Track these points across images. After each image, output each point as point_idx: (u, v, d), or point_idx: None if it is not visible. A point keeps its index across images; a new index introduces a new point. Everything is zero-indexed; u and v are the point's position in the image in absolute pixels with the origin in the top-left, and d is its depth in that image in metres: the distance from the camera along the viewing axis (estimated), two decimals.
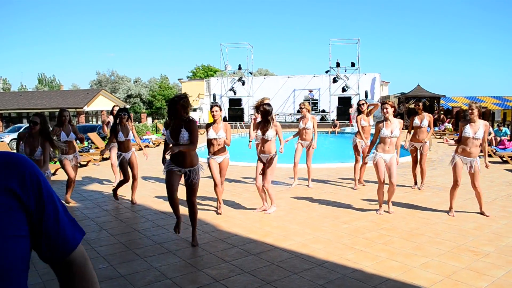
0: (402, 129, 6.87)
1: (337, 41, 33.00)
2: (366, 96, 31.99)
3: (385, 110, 6.57)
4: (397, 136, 6.56)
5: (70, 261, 1.25)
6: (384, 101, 6.69)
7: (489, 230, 5.76)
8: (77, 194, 8.62)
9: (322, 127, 26.89)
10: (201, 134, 10.37)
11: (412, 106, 29.03)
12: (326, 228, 5.99)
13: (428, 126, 8.67)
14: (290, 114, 34.42)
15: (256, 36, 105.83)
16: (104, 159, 14.42)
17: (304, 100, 33.08)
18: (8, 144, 21.20)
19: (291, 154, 8.89)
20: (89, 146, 16.02)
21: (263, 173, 6.77)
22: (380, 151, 6.58)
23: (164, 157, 5.53)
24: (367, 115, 8.82)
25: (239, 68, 34.10)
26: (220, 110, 6.83)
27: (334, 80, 31.54)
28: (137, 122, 33.38)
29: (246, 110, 31.85)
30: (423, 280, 4.12)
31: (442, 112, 28.18)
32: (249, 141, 7.79)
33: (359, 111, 8.90)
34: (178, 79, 49.89)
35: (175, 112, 4.99)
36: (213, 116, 6.72)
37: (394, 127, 6.53)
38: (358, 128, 8.75)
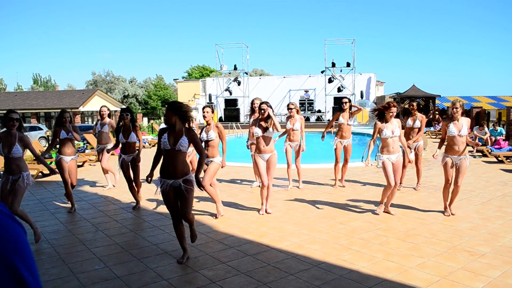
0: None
1: (332, 41, 33.04)
2: (362, 96, 32.05)
3: (391, 114, 6.47)
4: (398, 135, 6.53)
5: None
6: (388, 102, 6.63)
7: (485, 230, 5.77)
8: (73, 195, 8.57)
9: (317, 127, 26.91)
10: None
11: (407, 106, 29.22)
12: (323, 229, 5.99)
13: (420, 126, 8.60)
14: (286, 114, 34.38)
15: (251, 36, 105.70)
16: (100, 160, 14.38)
17: (300, 101, 33.12)
18: None
19: (280, 156, 8.89)
20: (85, 147, 15.98)
21: (267, 172, 6.71)
22: (386, 153, 6.56)
23: (152, 171, 4.97)
24: (350, 116, 8.78)
25: (235, 68, 34.08)
26: (212, 111, 6.71)
27: (330, 80, 31.57)
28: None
29: (242, 110, 31.84)
30: (419, 281, 4.13)
31: (437, 112, 28.25)
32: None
33: (341, 108, 8.87)
34: (174, 79, 49.76)
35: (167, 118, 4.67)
36: (204, 117, 6.65)
37: (394, 127, 6.51)
38: (332, 124, 8.81)
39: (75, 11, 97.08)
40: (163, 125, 4.88)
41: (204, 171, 6.59)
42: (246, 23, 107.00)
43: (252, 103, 8.25)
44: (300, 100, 33.39)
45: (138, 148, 7.67)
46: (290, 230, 5.96)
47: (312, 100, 34.23)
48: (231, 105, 33.36)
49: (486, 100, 34.65)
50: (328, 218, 6.53)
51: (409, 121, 8.62)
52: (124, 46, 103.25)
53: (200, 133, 6.58)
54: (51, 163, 12.30)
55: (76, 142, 9.70)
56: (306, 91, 34.51)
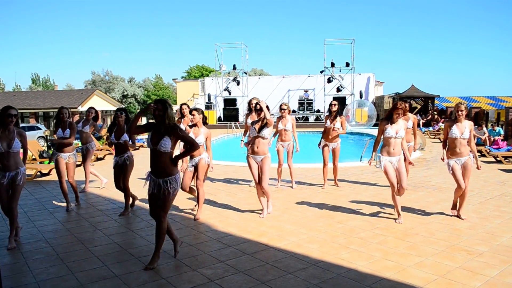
0: None
1: (331, 41, 33.04)
2: (361, 96, 32.07)
3: (397, 114, 6.21)
4: (402, 136, 6.23)
5: None
6: (396, 102, 6.46)
7: (483, 229, 5.78)
8: (71, 194, 8.57)
9: (316, 127, 26.92)
10: None
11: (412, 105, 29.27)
12: (321, 228, 5.99)
13: (412, 127, 8.55)
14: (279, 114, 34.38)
15: (250, 36, 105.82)
16: (98, 159, 14.39)
17: (299, 100, 33.15)
18: None
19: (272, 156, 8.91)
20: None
21: (259, 176, 6.64)
22: (385, 154, 6.28)
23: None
24: (333, 118, 8.72)
25: (234, 68, 34.10)
26: (200, 114, 6.69)
27: (329, 80, 31.59)
28: None
29: (241, 110, 31.84)
30: (417, 280, 4.14)
31: (436, 113, 28.27)
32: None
33: (330, 111, 8.86)
34: (173, 79, 49.73)
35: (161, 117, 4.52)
36: (192, 120, 6.66)
37: (399, 128, 6.21)
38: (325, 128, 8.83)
39: (74, 10, 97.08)
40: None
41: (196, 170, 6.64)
42: (246, 23, 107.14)
43: (250, 103, 8.27)
44: (299, 100, 33.41)
45: (133, 148, 7.47)
46: (289, 229, 5.96)
47: (311, 100, 34.23)
48: (230, 105, 33.37)
49: (485, 100, 34.71)
50: (326, 217, 6.54)
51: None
52: (123, 45, 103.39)
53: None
54: (49, 162, 12.35)
55: (75, 141, 9.68)
56: (306, 91, 34.52)
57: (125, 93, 58.26)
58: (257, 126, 6.61)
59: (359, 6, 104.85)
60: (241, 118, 31.47)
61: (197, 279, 4.28)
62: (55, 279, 4.32)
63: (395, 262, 4.64)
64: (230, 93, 33.71)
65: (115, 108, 43.77)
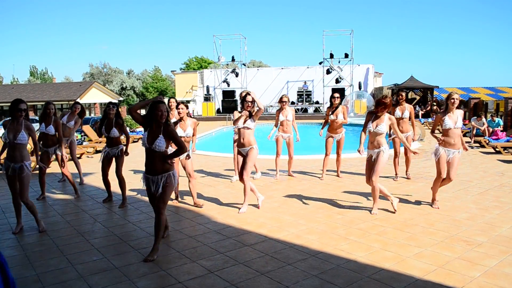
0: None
1: (330, 32, 32.98)
2: (360, 87, 32.03)
3: (378, 109, 6.14)
4: (382, 131, 6.11)
5: None
6: (379, 99, 6.42)
7: (482, 220, 5.79)
8: (71, 186, 8.58)
9: (315, 118, 26.91)
10: None
11: (410, 97, 29.23)
12: (320, 219, 6.00)
13: (409, 117, 8.56)
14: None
15: (249, 27, 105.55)
16: (97, 152, 14.37)
17: (298, 92, 33.12)
18: (1, 137, 21.07)
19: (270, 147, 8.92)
20: (83, 139, 15.95)
21: (243, 165, 6.57)
22: (369, 146, 6.29)
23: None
24: (334, 110, 8.73)
25: (233, 59, 34.02)
26: (186, 107, 6.83)
27: (328, 72, 31.56)
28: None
29: (240, 102, 31.79)
30: (416, 270, 4.15)
31: (435, 104, 28.24)
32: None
33: (331, 103, 8.86)
34: (171, 71, 49.63)
35: (155, 116, 4.60)
36: (178, 113, 6.71)
37: (380, 122, 6.13)
38: (327, 120, 8.83)
39: (72, 3, 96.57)
40: None
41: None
42: (244, 15, 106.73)
43: (241, 96, 8.12)
44: (298, 92, 33.39)
45: (125, 143, 7.39)
46: (288, 221, 5.97)
47: (310, 91, 34.22)
48: (228, 96, 33.34)
49: (484, 91, 34.67)
50: (325, 209, 6.54)
51: (398, 112, 8.47)
52: (122, 38, 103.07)
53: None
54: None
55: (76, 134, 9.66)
56: (304, 83, 34.47)
57: (124, 86, 58.10)
58: (243, 118, 6.58)
59: None
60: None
61: (196, 270, 4.29)
62: (55, 271, 4.33)
63: (394, 253, 4.64)
64: (228, 85, 33.66)
65: (113, 101, 43.72)
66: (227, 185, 8.49)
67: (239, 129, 6.60)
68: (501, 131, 14.91)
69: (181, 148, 4.66)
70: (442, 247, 4.79)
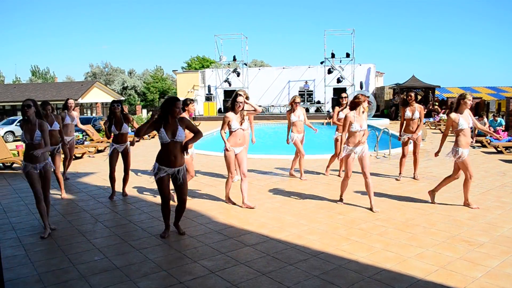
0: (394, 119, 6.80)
1: (332, 32, 32.94)
2: (361, 87, 31.99)
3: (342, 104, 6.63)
4: (365, 129, 6.54)
5: None
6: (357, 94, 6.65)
7: (484, 220, 5.78)
8: (72, 186, 8.59)
9: (317, 118, 26.90)
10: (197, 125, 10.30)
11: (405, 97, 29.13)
12: (322, 219, 6.00)
13: (419, 117, 8.58)
14: (285, 105, 34.36)
15: (250, 27, 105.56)
16: (98, 151, 14.38)
17: (299, 92, 33.09)
18: (3, 136, 21.09)
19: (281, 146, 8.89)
20: (84, 138, 15.95)
21: (240, 165, 6.81)
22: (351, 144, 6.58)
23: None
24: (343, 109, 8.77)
25: (234, 59, 33.99)
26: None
27: (329, 71, 31.51)
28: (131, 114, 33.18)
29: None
30: (417, 271, 4.14)
31: (436, 103, 28.20)
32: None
33: (339, 103, 8.88)
34: (173, 70, 49.53)
35: (173, 112, 5.03)
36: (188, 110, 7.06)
37: (362, 121, 6.50)
38: (335, 120, 8.81)
39: (73, 2, 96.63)
40: None
41: None
42: (245, 14, 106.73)
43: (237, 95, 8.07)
44: (299, 91, 33.35)
45: (131, 140, 7.66)
46: (289, 221, 5.97)
47: (312, 91, 34.20)
48: (230, 96, 32.91)
49: (486, 91, 34.63)
50: (327, 209, 6.54)
51: (408, 112, 8.52)
52: (123, 37, 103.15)
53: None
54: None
55: (75, 134, 9.69)
56: (306, 82, 34.45)
57: (125, 85, 58.14)
58: (238, 120, 6.64)
59: None
60: None
61: (198, 270, 4.29)
62: (57, 271, 4.33)
63: (396, 253, 4.64)
64: (230, 85, 33.64)
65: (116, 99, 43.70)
66: None
67: (234, 130, 6.63)
68: (503, 130, 14.89)
69: (198, 132, 5.21)
70: (443, 247, 4.78)
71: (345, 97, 8.83)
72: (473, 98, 22.92)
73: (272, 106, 34.54)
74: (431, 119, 24.41)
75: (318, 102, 33.78)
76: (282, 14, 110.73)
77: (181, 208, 5.41)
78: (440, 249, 4.73)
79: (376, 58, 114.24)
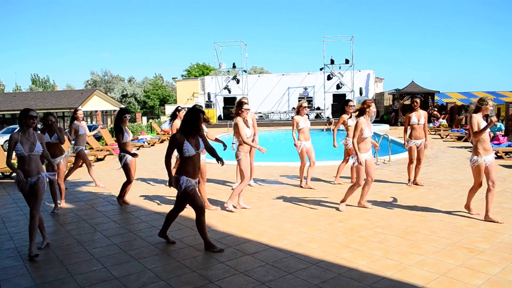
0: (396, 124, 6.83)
1: (331, 38, 33.01)
2: (361, 93, 32.03)
3: (371, 109, 6.63)
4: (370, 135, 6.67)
5: None
6: (365, 100, 6.68)
7: (484, 226, 5.75)
8: (71, 195, 8.56)
9: (317, 124, 26.89)
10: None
11: (408, 102, 29.13)
12: (321, 227, 5.97)
13: (424, 123, 8.58)
14: (285, 112, 34.40)
15: (250, 34, 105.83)
16: (98, 160, 14.36)
17: (299, 98, 33.15)
18: (2, 145, 21.09)
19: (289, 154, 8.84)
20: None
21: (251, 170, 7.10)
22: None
23: (172, 175, 5.10)
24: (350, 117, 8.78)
25: (234, 66, 34.04)
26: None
27: (329, 78, 31.54)
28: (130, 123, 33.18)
29: None
30: (418, 278, 4.11)
31: (436, 109, 28.20)
32: None
33: (344, 111, 8.82)
34: (173, 78, 49.70)
35: (199, 124, 5.06)
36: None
37: (369, 126, 6.60)
38: (346, 128, 8.82)
39: (74, 10, 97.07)
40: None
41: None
42: (245, 21, 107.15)
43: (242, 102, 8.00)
44: (299, 98, 33.42)
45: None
46: (289, 229, 5.94)
47: (311, 97, 34.24)
48: (230, 103, 33.29)
49: (485, 95, 34.59)
50: (327, 216, 6.51)
51: (414, 118, 8.49)
52: (123, 45, 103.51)
53: None
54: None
55: (73, 142, 9.70)
56: (305, 89, 34.48)
57: (125, 93, 58.21)
58: (247, 128, 6.92)
59: (358, 2, 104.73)
60: None
61: (197, 280, 4.26)
62: (54, 282, 4.30)
63: (396, 261, 4.61)
64: (230, 92, 33.67)
65: (115, 108, 43.82)
66: (228, 193, 8.45)
67: (249, 136, 6.99)
68: (503, 135, 14.85)
69: (213, 152, 5.57)
70: (444, 254, 4.75)
71: (352, 105, 8.78)
72: (471, 103, 22.97)
73: (272, 113, 34.55)
74: (431, 125, 24.39)
75: (318, 109, 33.80)
76: (281, 21, 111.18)
77: (202, 218, 5.24)
78: (441, 256, 4.70)
79: (375, 64, 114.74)
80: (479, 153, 5.95)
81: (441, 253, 4.80)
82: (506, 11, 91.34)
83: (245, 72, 34.67)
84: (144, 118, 43.55)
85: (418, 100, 8.64)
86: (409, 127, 8.74)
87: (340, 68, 32.37)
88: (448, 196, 7.38)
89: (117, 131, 7.40)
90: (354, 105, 8.90)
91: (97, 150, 16.00)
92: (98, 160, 14.42)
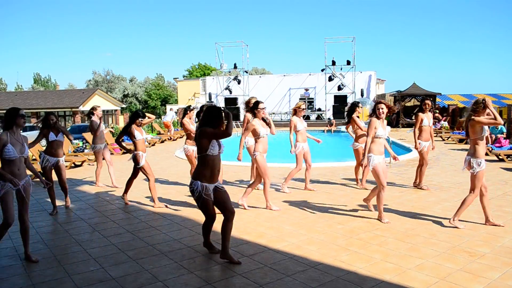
0: (401, 127, 6.76)
1: (332, 39, 32.96)
2: (362, 95, 31.98)
3: (381, 110, 6.28)
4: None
5: None
6: (378, 100, 6.55)
7: (485, 230, 5.72)
8: (71, 195, 8.53)
9: (318, 125, 26.87)
10: None
11: (409, 104, 29.08)
12: (321, 229, 5.93)
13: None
14: (286, 113, 34.34)
15: (251, 35, 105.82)
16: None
17: (300, 99, 33.08)
18: None
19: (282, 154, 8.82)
20: (84, 146, 15.92)
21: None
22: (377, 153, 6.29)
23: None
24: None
25: (235, 67, 34.00)
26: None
27: (330, 79, 31.48)
28: None
29: (242, 109, 31.76)
30: (417, 282, 4.07)
31: (437, 111, 28.13)
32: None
33: (353, 111, 8.82)
34: (174, 78, 49.69)
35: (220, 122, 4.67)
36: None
37: (385, 127, 6.50)
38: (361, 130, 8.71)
39: (76, 10, 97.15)
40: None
41: None
42: (246, 22, 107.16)
43: (249, 102, 7.98)
44: (300, 99, 33.34)
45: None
46: (288, 231, 5.90)
47: (312, 98, 34.20)
48: (231, 104, 33.29)
49: (487, 98, 34.54)
50: (326, 218, 6.48)
51: (426, 120, 8.40)
52: (125, 45, 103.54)
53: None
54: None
55: (75, 141, 9.71)
56: (306, 90, 34.44)
57: (126, 93, 58.23)
58: (262, 125, 6.97)
59: (359, 3, 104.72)
60: (242, 117, 31.36)
61: (194, 281, 4.23)
62: (51, 282, 4.28)
63: (395, 264, 4.58)
64: (231, 92, 33.62)
65: (116, 108, 43.82)
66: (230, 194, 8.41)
67: (261, 136, 7.01)
68: (504, 138, 14.80)
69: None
70: (444, 258, 4.72)
71: (360, 107, 8.79)
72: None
73: (273, 113, 34.51)
74: (433, 127, 24.35)
75: (319, 110, 33.75)
76: (282, 22, 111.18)
77: (229, 225, 4.81)
78: (441, 260, 4.66)
79: (377, 65, 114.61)
80: (481, 155, 5.73)
81: (441, 256, 4.76)
82: (509, 13, 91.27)
83: (246, 72, 34.62)
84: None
85: (429, 102, 8.51)
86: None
87: (341, 69, 32.29)
88: (449, 199, 7.34)
89: (125, 132, 7.37)
90: (362, 107, 8.89)
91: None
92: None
